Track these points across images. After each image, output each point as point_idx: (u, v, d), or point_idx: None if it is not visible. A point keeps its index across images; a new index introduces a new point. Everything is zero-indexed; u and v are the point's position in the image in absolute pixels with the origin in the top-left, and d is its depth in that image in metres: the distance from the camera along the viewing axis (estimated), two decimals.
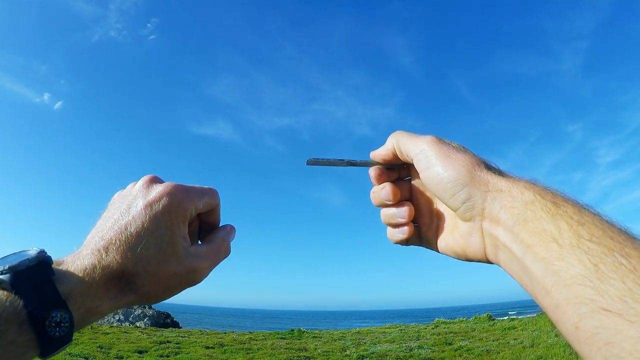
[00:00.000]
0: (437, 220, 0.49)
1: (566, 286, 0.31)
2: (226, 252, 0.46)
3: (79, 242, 0.41)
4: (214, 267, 0.45)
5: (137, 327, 13.38)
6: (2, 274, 0.33)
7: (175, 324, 15.98)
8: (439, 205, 0.48)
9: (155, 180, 0.44)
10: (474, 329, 10.65)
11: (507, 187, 0.38)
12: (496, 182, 0.39)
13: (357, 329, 13.46)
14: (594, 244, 0.31)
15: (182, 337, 10.44)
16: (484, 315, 13.20)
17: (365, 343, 9.45)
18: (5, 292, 0.32)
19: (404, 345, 8.75)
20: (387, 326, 13.46)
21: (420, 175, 0.45)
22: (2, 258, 0.36)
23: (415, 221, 0.51)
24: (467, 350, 7.77)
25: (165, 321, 15.68)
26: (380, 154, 0.51)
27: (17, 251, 0.37)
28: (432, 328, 11.57)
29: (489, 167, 0.41)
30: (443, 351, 7.94)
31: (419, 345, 8.57)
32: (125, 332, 10.55)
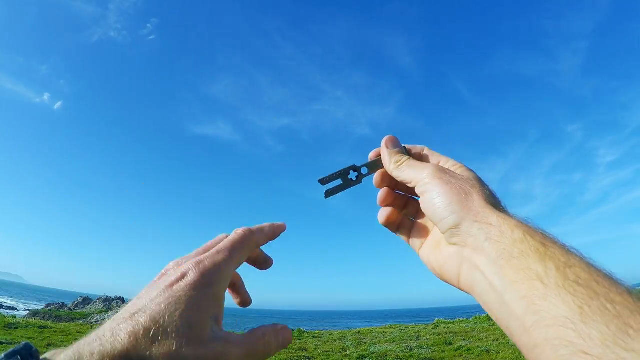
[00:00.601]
0: (430, 228, 0.50)
1: (547, 326, 0.30)
2: (265, 349, 0.39)
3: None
4: (248, 359, 0.38)
5: None
6: None
7: None
8: None
9: (182, 262, 0.40)
10: (474, 329, 10.64)
11: (498, 222, 0.38)
12: (487, 215, 0.39)
13: (357, 329, 13.44)
14: (580, 287, 0.30)
15: None
16: (484, 315, 13.17)
17: (365, 343, 9.45)
18: None
19: (404, 345, 8.75)
20: (387, 326, 13.45)
21: (420, 200, 0.47)
22: None
23: (414, 217, 0.53)
24: (467, 350, 7.76)
25: None
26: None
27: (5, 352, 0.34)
28: (432, 328, 11.56)
29: (486, 198, 0.41)
30: (443, 351, 7.94)
31: (419, 345, 8.57)
32: None
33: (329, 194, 0.52)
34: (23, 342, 0.33)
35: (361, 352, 8.14)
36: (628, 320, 0.27)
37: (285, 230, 0.48)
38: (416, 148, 0.52)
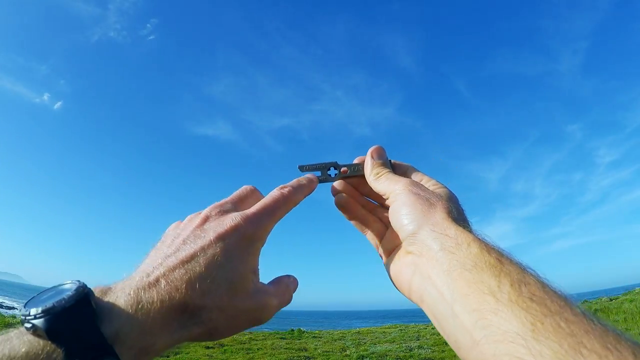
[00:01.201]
0: (398, 240, 0.50)
1: (497, 342, 0.29)
2: (289, 299, 0.44)
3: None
4: (279, 309, 0.42)
5: None
6: (35, 318, 0.29)
7: None
8: None
9: (223, 210, 0.41)
10: None
11: (455, 235, 0.37)
12: (446, 227, 0.39)
13: (357, 329, 13.45)
14: (534, 303, 0.29)
15: None
16: None
17: (365, 343, 9.45)
18: (41, 341, 0.28)
19: (404, 345, 8.75)
20: (387, 326, 13.45)
21: (389, 209, 0.47)
22: (35, 296, 0.32)
23: (381, 219, 0.54)
24: None
25: None
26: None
27: (52, 286, 0.33)
28: (432, 328, 11.51)
29: (449, 212, 0.41)
30: (443, 351, 7.94)
31: (419, 345, 8.57)
32: None
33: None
34: (76, 282, 0.32)
35: (361, 352, 8.14)
36: (581, 339, 0.26)
37: (317, 184, 0.51)
38: (402, 166, 0.53)
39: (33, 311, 0.29)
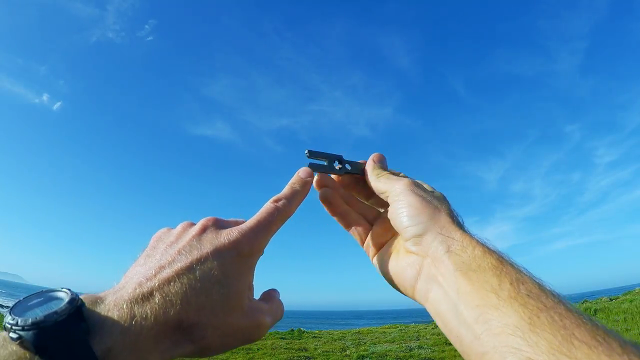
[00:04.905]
0: (387, 237, 0.51)
1: (496, 335, 0.32)
2: (281, 316, 0.43)
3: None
4: (272, 326, 0.41)
5: None
6: (23, 330, 0.27)
7: None
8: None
9: (220, 223, 0.40)
10: None
11: (460, 238, 0.40)
12: (452, 230, 0.41)
13: (357, 329, 13.44)
14: (531, 299, 0.33)
15: None
16: None
17: (365, 343, 9.45)
18: (28, 354, 0.26)
19: (404, 345, 8.75)
20: (387, 326, 13.45)
21: (389, 208, 0.47)
22: (23, 301, 0.30)
23: (372, 223, 0.53)
24: None
25: None
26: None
27: (43, 290, 0.31)
28: (432, 328, 11.55)
29: (453, 217, 0.43)
30: (443, 351, 7.93)
31: (419, 345, 8.57)
32: None
33: (312, 167, 0.52)
34: (69, 292, 0.30)
35: (361, 352, 8.14)
36: (573, 331, 0.29)
37: (312, 181, 0.49)
38: (395, 173, 0.53)
39: (21, 322, 0.27)
